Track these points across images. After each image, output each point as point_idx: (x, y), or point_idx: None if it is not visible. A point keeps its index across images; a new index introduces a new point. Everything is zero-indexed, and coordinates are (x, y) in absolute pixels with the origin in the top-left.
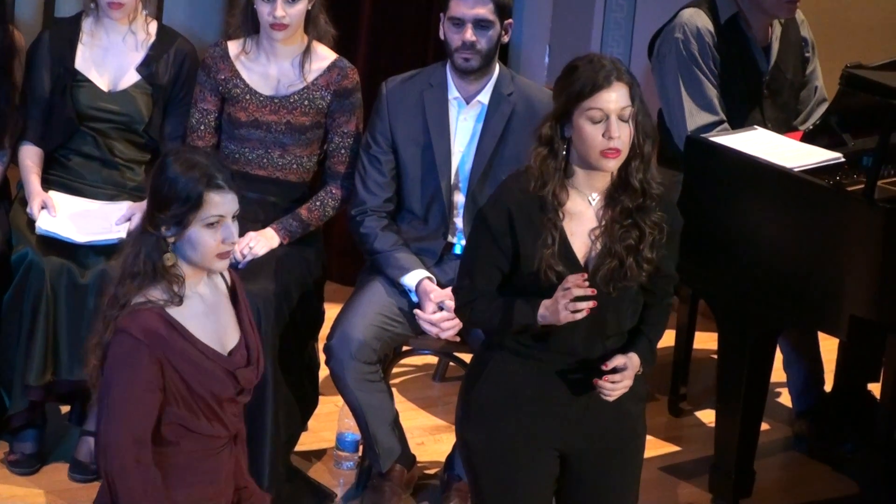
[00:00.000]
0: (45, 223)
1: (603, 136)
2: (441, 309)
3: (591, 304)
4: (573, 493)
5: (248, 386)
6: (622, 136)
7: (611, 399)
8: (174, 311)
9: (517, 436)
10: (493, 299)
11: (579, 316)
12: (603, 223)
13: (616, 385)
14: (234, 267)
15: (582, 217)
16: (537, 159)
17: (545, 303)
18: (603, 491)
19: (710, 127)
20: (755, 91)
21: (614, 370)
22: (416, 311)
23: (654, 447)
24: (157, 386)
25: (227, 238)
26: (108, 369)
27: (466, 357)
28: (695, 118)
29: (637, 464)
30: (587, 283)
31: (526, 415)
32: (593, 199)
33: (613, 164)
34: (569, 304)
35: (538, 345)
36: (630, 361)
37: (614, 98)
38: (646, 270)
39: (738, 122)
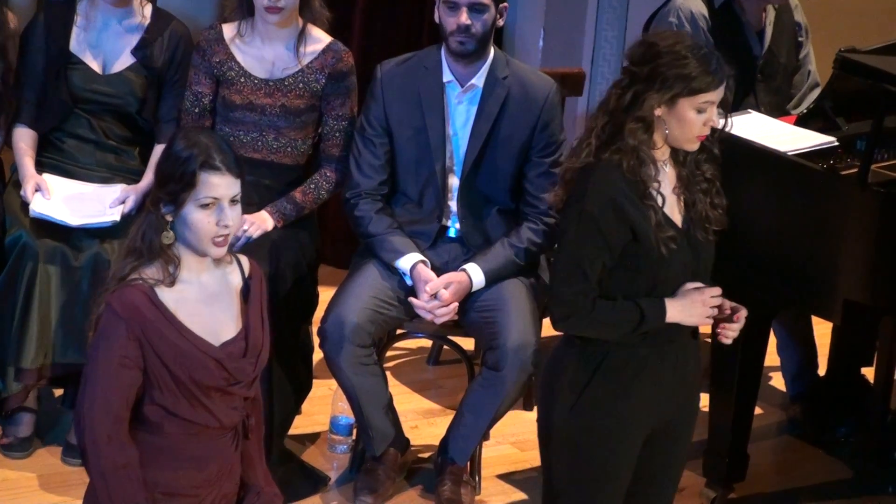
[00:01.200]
0: (39, 206)
1: (704, 124)
2: (435, 297)
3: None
4: (649, 466)
5: (242, 378)
6: None
7: (728, 342)
8: (164, 292)
9: (630, 422)
10: (612, 304)
11: (711, 321)
12: (681, 176)
13: (738, 325)
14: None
15: (662, 182)
16: (635, 137)
17: (673, 304)
18: (672, 459)
19: None
20: (749, 75)
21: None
22: (411, 299)
23: None
24: (134, 363)
25: (221, 220)
26: (91, 343)
27: (461, 340)
28: None
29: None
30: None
31: (639, 399)
32: (665, 164)
33: (698, 146)
34: (713, 309)
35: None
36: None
37: (722, 92)
38: (719, 215)
39: (732, 106)
